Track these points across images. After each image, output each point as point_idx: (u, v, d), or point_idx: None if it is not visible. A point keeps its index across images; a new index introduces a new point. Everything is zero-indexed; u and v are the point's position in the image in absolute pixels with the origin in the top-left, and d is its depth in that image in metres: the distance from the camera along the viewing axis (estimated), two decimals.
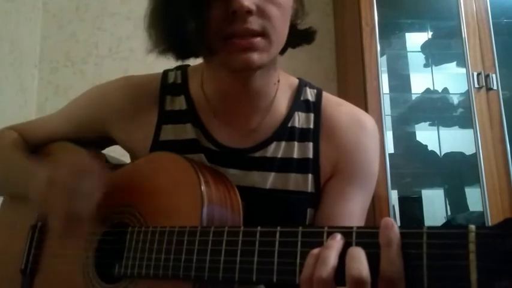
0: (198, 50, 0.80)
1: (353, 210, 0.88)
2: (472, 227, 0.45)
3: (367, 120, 0.92)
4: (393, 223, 0.54)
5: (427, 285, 0.47)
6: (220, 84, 0.89)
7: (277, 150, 0.88)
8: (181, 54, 0.84)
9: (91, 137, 1.00)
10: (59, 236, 0.87)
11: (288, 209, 0.87)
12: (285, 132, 0.89)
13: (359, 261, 0.53)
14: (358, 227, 0.54)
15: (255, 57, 0.76)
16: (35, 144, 1.05)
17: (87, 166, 0.83)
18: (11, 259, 0.95)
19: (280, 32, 0.80)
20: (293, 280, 0.59)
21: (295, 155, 0.88)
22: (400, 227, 0.50)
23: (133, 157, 0.98)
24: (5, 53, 2.14)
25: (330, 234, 0.56)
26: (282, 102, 0.92)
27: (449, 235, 0.47)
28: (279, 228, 0.62)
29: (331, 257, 0.55)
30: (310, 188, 0.88)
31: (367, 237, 0.53)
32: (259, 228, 0.64)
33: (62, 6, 2.58)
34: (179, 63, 0.96)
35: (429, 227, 0.48)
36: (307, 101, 0.93)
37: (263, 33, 0.77)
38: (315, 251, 0.57)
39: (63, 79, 2.50)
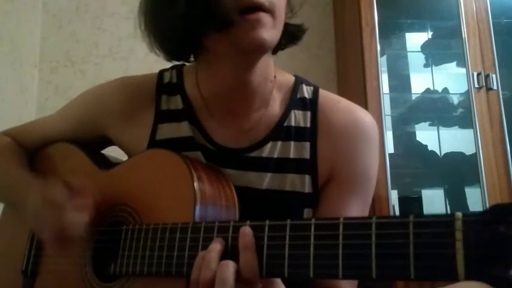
0: (214, 22, 0.75)
1: (352, 215, 0.87)
2: (459, 214, 0.45)
3: (366, 118, 0.90)
4: (249, 231, 0.62)
5: (414, 275, 0.46)
6: (216, 83, 0.87)
7: (273, 150, 0.87)
8: (180, 41, 0.82)
9: (89, 138, 1.00)
10: (51, 252, 0.87)
11: (284, 210, 0.86)
12: (281, 131, 0.88)
13: (225, 283, 0.61)
14: (345, 218, 0.54)
15: (265, 34, 0.75)
16: (32, 147, 1.05)
17: (77, 189, 0.83)
18: (13, 260, 0.95)
19: (282, 14, 0.80)
20: (282, 273, 0.59)
21: (292, 155, 0.87)
22: (386, 217, 0.50)
23: (130, 157, 0.97)
24: (5, 53, 2.14)
25: (317, 226, 0.56)
26: (277, 100, 0.91)
27: (436, 224, 0.46)
28: (267, 221, 0.62)
29: (214, 260, 0.63)
30: (307, 188, 0.87)
31: (355, 229, 0.53)
32: (248, 222, 0.63)
33: (62, 6, 2.58)
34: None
35: (416, 216, 0.48)
36: (303, 98, 0.91)
37: (270, 10, 0.75)
38: (202, 253, 0.65)
39: (63, 79, 2.51)
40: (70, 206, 0.79)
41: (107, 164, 0.97)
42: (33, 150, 1.05)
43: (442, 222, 0.45)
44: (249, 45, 0.75)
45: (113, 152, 1.04)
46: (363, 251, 0.51)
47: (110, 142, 1.01)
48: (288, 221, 0.59)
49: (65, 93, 2.47)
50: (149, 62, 2.54)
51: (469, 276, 0.43)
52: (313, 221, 0.57)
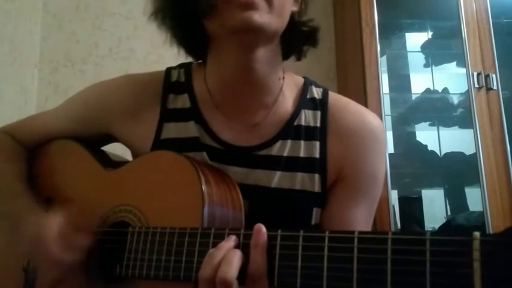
0: (201, 8, 0.78)
1: (359, 217, 0.88)
2: (477, 234, 0.45)
3: (375, 122, 0.91)
4: (264, 230, 0.63)
5: None
6: (221, 71, 0.87)
7: (282, 148, 0.87)
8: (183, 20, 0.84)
9: (91, 135, 0.99)
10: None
11: (293, 209, 0.87)
12: (291, 130, 0.89)
13: (230, 265, 0.62)
14: (360, 232, 0.54)
15: (256, 16, 0.75)
16: (31, 144, 1.03)
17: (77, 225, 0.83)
18: (14, 257, 0.95)
19: (282, 4, 0.80)
20: (294, 284, 0.59)
21: (302, 154, 0.87)
22: (402, 233, 0.50)
23: (134, 155, 0.97)
24: (5, 53, 2.13)
25: (331, 239, 0.56)
26: (287, 99, 0.91)
27: (453, 242, 0.46)
28: (280, 231, 0.62)
29: (236, 257, 0.63)
30: (316, 188, 0.87)
31: (370, 243, 0.53)
32: None
33: (62, 6, 2.58)
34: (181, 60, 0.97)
35: (433, 233, 0.48)
36: (313, 98, 0.92)
37: None
38: (211, 251, 0.65)
39: (63, 79, 2.50)
40: (63, 246, 0.79)
41: (110, 162, 0.97)
42: (32, 147, 1.04)
43: (460, 241, 0.46)
44: (236, 24, 0.75)
45: (113, 150, 1.03)
46: (378, 266, 0.51)
47: (112, 139, 1.00)
48: (301, 232, 0.60)
49: (65, 93, 2.45)
50: (149, 62, 2.56)
51: None
52: (327, 233, 0.57)
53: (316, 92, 0.93)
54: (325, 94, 0.93)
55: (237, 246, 0.65)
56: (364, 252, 0.53)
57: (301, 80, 0.95)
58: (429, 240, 0.48)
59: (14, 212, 0.91)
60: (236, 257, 0.63)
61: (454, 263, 0.46)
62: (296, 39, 0.90)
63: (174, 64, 0.99)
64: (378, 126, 0.91)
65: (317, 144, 0.88)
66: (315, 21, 0.91)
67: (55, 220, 0.82)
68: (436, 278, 0.47)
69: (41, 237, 0.80)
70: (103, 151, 1.04)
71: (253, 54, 0.82)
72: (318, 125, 0.90)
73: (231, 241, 0.65)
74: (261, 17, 0.75)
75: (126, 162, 0.94)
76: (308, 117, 0.90)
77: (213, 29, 0.80)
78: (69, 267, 0.80)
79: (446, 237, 0.47)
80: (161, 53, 2.46)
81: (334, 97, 0.93)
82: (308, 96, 0.92)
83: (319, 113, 0.91)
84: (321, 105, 0.91)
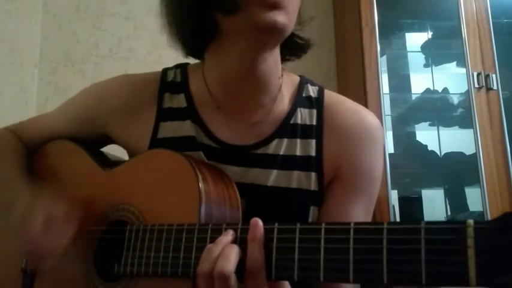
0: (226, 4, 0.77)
1: (356, 215, 0.87)
2: (471, 221, 0.45)
3: (372, 121, 0.91)
4: (258, 223, 0.63)
5: (425, 281, 0.47)
6: (226, 71, 0.86)
7: (279, 147, 0.88)
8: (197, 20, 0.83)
9: (89, 135, 1.00)
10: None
11: (290, 207, 0.87)
12: (287, 129, 0.89)
13: (227, 259, 0.62)
14: (355, 223, 0.54)
15: (281, 17, 0.75)
16: (32, 144, 1.04)
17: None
18: (12, 258, 0.95)
19: (296, 8, 0.80)
20: (291, 276, 0.59)
21: (298, 153, 0.88)
22: (398, 223, 0.51)
23: (131, 155, 0.97)
24: (5, 53, 2.14)
25: (327, 230, 0.56)
26: (284, 98, 0.91)
27: (448, 230, 0.47)
28: (276, 225, 0.62)
29: (234, 252, 0.63)
30: (313, 186, 0.87)
31: (366, 234, 0.53)
32: None
33: (62, 6, 2.58)
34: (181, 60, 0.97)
35: (427, 222, 0.48)
36: (309, 97, 0.92)
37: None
38: (209, 246, 0.66)
39: (63, 79, 2.51)
40: (56, 218, 0.81)
41: (108, 163, 0.97)
42: (33, 148, 1.04)
43: (454, 229, 0.46)
44: (262, 21, 0.74)
45: (112, 151, 1.04)
46: (374, 256, 0.51)
47: (110, 140, 1.00)
48: (298, 225, 0.60)
49: (65, 93, 2.46)
50: (149, 62, 2.56)
51: (480, 283, 0.43)
52: (323, 225, 0.57)
53: (312, 91, 0.93)
54: (320, 92, 0.93)
55: (234, 241, 0.65)
56: (360, 243, 0.53)
57: (297, 79, 0.95)
58: (424, 229, 0.48)
59: (11, 199, 0.91)
60: (234, 252, 0.63)
61: (448, 251, 0.46)
62: (287, 47, 0.90)
63: (174, 64, 0.99)
64: (375, 124, 0.91)
65: (313, 142, 0.88)
66: (314, 24, 0.91)
67: (43, 204, 0.83)
68: (432, 266, 0.47)
69: (25, 221, 0.82)
70: (101, 152, 1.04)
71: (262, 53, 0.82)
72: (314, 123, 0.90)
73: (228, 235, 0.66)
74: (284, 18, 0.75)
75: (123, 161, 0.94)
76: (304, 116, 0.90)
77: (232, 23, 0.78)
78: (51, 254, 0.81)
79: (441, 226, 0.47)
80: (161, 53, 2.46)
81: (330, 95, 0.94)
82: (304, 95, 0.92)
83: (315, 111, 0.91)
84: (316, 103, 0.91)
